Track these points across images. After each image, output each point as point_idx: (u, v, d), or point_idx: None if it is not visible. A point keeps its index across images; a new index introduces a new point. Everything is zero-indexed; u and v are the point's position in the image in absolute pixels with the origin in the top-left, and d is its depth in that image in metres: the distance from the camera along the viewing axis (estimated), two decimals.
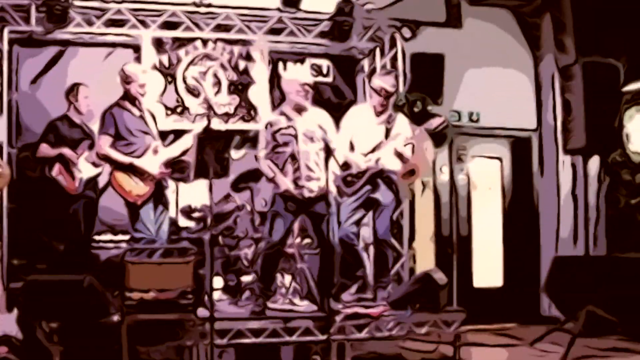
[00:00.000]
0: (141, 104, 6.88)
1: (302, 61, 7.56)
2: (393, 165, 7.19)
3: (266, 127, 6.95)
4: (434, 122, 7.23)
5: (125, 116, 6.78)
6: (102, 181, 7.32)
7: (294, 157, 6.80)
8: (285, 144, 6.81)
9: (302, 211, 6.87)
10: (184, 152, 6.92)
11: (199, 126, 6.93)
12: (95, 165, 7.24)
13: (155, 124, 7.01)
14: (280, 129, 6.85)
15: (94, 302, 5.91)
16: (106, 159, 6.80)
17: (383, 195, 7.22)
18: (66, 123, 7.37)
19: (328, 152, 6.60)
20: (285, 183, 6.77)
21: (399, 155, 7.17)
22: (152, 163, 6.78)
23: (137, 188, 6.75)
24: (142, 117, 6.88)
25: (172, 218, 7.49)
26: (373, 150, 7.17)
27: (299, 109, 6.86)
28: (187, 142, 6.88)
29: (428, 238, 9.17)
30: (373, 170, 7.14)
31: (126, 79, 6.82)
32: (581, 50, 8.95)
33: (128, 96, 6.83)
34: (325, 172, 6.54)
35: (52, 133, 7.32)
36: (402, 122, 7.31)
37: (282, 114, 6.93)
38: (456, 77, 8.98)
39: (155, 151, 6.83)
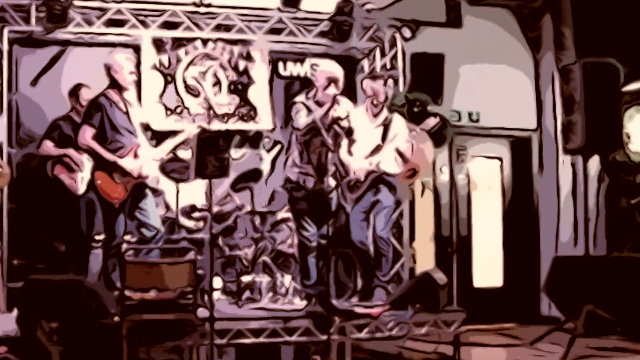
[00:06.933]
0: (126, 96, 6.72)
1: (301, 61, 7.57)
2: (393, 167, 7.21)
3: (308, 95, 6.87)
4: (430, 122, 7.24)
5: (111, 111, 6.60)
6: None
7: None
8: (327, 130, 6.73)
9: (314, 204, 6.86)
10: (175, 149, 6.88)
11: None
12: None
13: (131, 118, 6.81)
14: (330, 110, 6.70)
15: (94, 302, 5.91)
16: (88, 151, 6.67)
17: (385, 197, 7.25)
18: (68, 123, 7.35)
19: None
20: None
21: (401, 155, 7.18)
22: (134, 165, 6.66)
23: (118, 188, 6.68)
24: (127, 114, 6.71)
25: (172, 218, 7.51)
26: (372, 154, 7.18)
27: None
28: (169, 145, 6.83)
29: (428, 238, 9.16)
30: (375, 175, 7.16)
31: (113, 68, 6.67)
32: (581, 50, 8.94)
33: (117, 85, 6.67)
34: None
35: (56, 132, 7.29)
36: (399, 123, 7.31)
37: (336, 101, 6.74)
38: (456, 77, 8.97)
39: (136, 155, 6.70)
